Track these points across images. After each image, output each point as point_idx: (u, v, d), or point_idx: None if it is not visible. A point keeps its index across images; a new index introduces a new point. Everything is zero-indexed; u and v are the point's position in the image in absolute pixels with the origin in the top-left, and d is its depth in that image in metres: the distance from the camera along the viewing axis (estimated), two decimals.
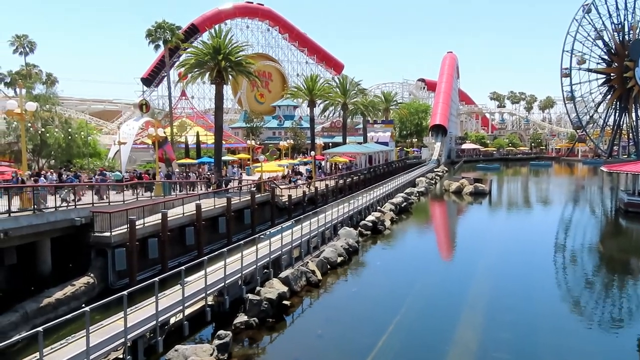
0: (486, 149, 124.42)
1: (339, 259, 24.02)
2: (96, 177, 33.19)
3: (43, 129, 41.65)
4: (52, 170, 35.45)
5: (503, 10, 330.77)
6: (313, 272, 20.86)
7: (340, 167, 55.70)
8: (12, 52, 78.64)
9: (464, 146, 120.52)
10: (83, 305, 18.13)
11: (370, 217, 33.14)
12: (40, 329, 10.26)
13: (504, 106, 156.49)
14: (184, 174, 40.66)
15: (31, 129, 39.50)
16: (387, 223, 34.51)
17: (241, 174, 46.32)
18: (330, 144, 74.79)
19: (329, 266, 22.92)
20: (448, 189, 57.37)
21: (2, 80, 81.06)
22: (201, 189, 34.44)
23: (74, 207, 21.14)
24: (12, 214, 17.65)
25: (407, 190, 49.64)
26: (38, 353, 10.42)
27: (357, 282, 22.62)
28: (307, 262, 21.97)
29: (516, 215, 44.80)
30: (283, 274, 19.36)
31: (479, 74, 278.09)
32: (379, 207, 38.33)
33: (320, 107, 70.18)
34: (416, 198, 49.21)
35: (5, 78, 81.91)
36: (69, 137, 44.28)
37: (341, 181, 45.77)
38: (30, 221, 18.45)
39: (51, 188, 22.09)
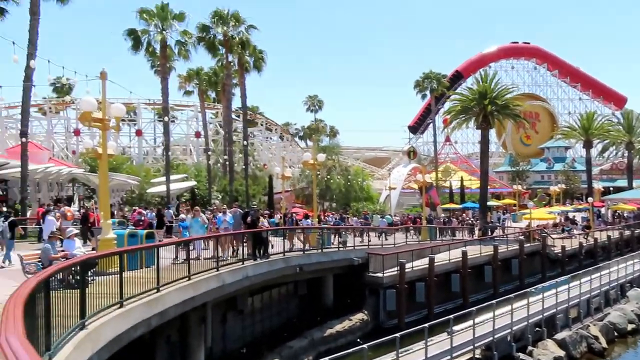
0: None
1: (630, 327, 20.38)
2: (359, 219, 35.90)
3: (328, 176, 47.76)
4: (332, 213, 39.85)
5: None
6: (596, 338, 18.11)
7: (625, 215, 47.53)
8: (304, 110, 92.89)
9: None
10: (358, 339, 19.69)
11: None
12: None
13: None
14: (448, 219, 40.80)
15: (319, 175, 45.78)
16: None
17: (506, 220, 43.94)
18: (611, 189, 64.84)
19: (615, 333, 19.60)
20: None
21: (297, 134, 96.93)
22: (464, 235, 33.96)
23: (352, 247, 23.39)
24: (305, 252, 20.61)
25: None
26: None
27: None
28: (588, 326, 19.21)
29: None
30: (559, 336, 17.38)
31: None
32: None
33: (598, 147, 61.90)
34: None
35: (300, 132, 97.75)
36: (348, 183, 49.67)
37: (628, 232, 38.94)
38: (319, 259, 21.10)
39: (334, 230, 24.97)
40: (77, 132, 61.21)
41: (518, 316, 17.29)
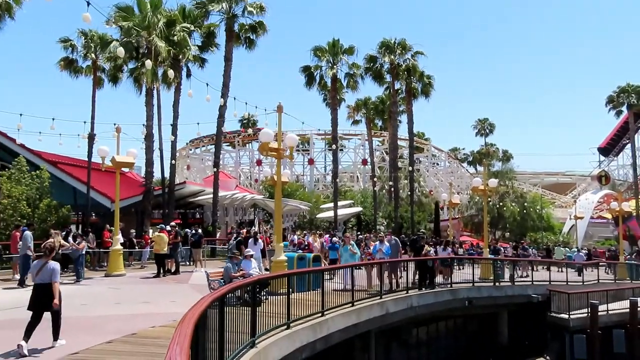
0: None
1: None
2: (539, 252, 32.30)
3: (501, 203, 44.60)
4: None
5: None
6: None
7: None
8: (474, 135, 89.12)
9: None
10: None
11: None
12: None
13: None
14: None
15: (490, 202, 43.02)
16: None
17: None
18: None
19: None
20: None
21: (465, 159, 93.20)
22: None
23: (530, 283, 21.09)
24: (475, 284, 19.13)
25: None
26: None
27: None
28: None
29: None
30: None
31: None
32: None
33: None
34: None
35: (469, 157, 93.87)
36: (524, 211, 45.70)
37: None
38: (490, 292, 19.45)
39: (508, 262, 22.84)
40: (259, 162, 67.59)
41: None
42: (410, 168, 44.24)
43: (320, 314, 11.10)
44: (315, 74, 37.99)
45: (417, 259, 17.23)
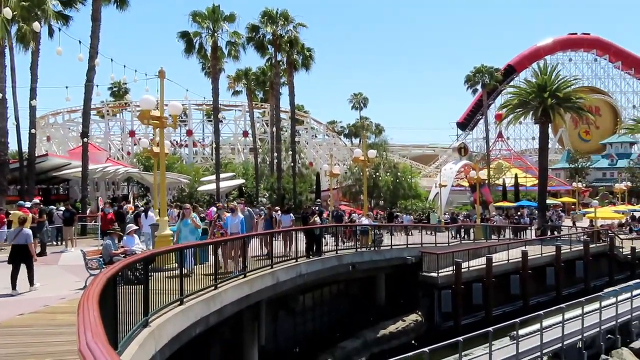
0: None
1: None
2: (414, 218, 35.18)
3: (376, 173, 47.16)
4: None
5: None
6: None
7: None
8: (350, 108, 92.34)
9: None
10: (412, 341, 19.11)
11: None
12: None
13: None
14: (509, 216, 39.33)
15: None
16: None
17: (561, 219, 41.91)
18: None
19: None
20: None
21: (342, 133, 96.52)
22: (524, 235, 32.57)
23: (405, 246, 22.77)
24: (358, 250, 20.17)
25: None
26: None
27: None
28: None
29: None
30: (636, 344, 16.18)
31: None
32: None
33: None
34: None
35: (345, 130, 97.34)
36: (397, 181, 48.84)
37: None
38: (371, 257, 20.61)
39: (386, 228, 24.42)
40: (132, 134, 63.45)
41: (589, 322, 16.19)
42: (293, 140, 44.71)
43: (213, 287, 10.93)
44: (194, 40, 36.08)
45: (304, 227, 17.69)
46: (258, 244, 14.68)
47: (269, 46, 41.02)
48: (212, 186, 38.47)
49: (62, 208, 22.48)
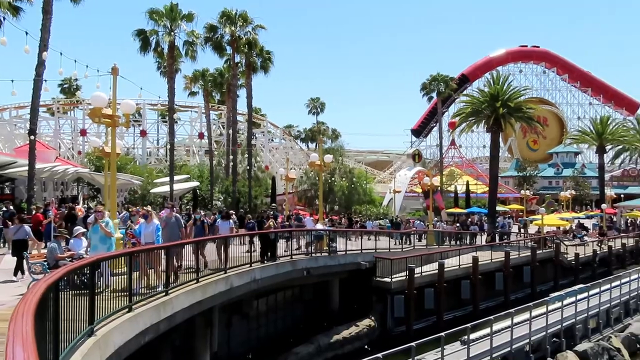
0: None
1: None
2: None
3: (332, 178, 47.38)
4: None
5: None
6: (618, 350, 17.55)
7: (639, 223, 46.99)
8: (307, 113, 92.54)
9: None
10: (366, 346, 19.20)
11: None
12: None
13: None
14: (462, 223, 40.19)
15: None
16: None
17: (509, 225, 43.38)
18: (622, 196, 64.36)
19: (638, 345, 18.98)
20: None
21: (299, 137, 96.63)
22: (475, 241, 33.43)
23: (360, 251, 22.90)
24: (312, 255, 20.12)
25: None
26: None
27: None
28: (609, 337, 18.64)
29: None
30: (580, 347, 16.84)
31: None
32: None
33: (609, 153, 61.57)
34: None
35: (302, 135, 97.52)
36: (352, 186, 49.23)
37: None
38: (326, 262, 20.58)
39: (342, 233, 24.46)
40: (83, 132, 61.25)
41: (536, 326, 16.73)
42: (249, 143, 44.29)
43: (164, 294, 10.60)
44: (151, 39, 35.10)
45: (259, 232, 17.49)
46: (187, 253, 13.01)
47: (228, 47, 40.51)
48: (166, 188, 37.51)
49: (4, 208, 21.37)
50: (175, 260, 11.67)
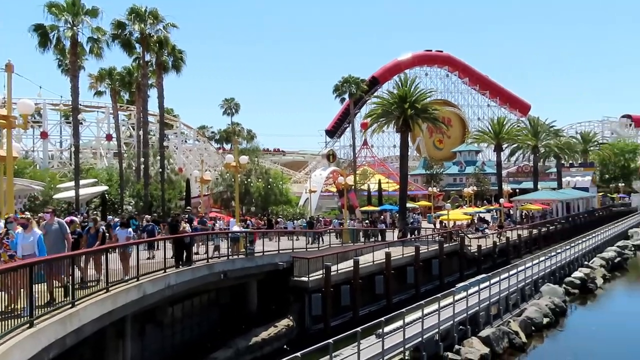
0: None
1: (545, 320, 21.67)
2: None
3: (248, 179, 46.99)
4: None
5: None
6: (516, 333, 19.14)
7: (532, 215, 51.41)
8: (221, 114, 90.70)
9: None
10: (284, 346, 19.31)
11: (578, 274, 29.53)
12: None
13: None
14: (374, 220, 41.53)
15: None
16: (599, 281, 30.34)
17: (419, 221, 45.66)
18: (517, 190, 70.02)
19: (533, 327, 20.80)
20: None
21: (213, 138, 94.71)
22: (379, 238, 34.55)
23: (277, 252, 22.98)
24: (230, 257, 19.90)
25: (619, 243, 43.24)
26: None
27: (569, 348, 19.96)
28: (509, 322, 20.25)
29: None
30: (483, 333, 18.13)
31: None
32: (585, 262, 33.99)
33: (505, 151, 66.76)
34: (631, 252, 42.55)
35: (216, 135, 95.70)
36: (268, 187, 49.14)
37: (535, 231, 42.03)
38: (243, 264, 20.47)
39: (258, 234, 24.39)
40: None
41: (444, 316, 17.77)
42: (161, 144, 42.75)
43: (70, 305, 10.02)
44: (51, 34, 32.65)
45: (172, 236, 17.01)
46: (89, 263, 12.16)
47: (137, 45, 38.79)
48: (71, 193, 35.15)
49: None
50: (78, 271, 10.92)
